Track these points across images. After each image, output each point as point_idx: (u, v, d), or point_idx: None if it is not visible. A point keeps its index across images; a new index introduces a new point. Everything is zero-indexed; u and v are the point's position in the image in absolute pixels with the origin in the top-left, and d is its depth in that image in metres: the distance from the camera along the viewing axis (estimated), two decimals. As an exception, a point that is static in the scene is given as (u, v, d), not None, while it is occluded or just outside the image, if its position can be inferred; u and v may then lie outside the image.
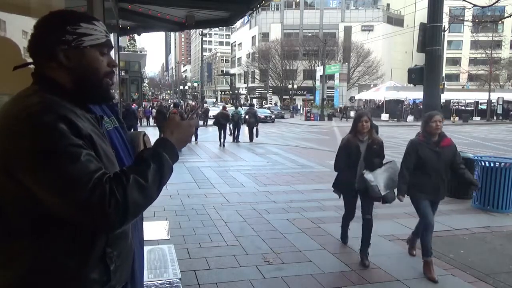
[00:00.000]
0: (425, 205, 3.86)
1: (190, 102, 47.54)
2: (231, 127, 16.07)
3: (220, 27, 64.72)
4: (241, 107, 21.79)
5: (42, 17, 1.19)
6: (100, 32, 1.20)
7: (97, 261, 1.13)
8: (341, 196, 4.39)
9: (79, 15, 1.20)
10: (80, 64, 1.16)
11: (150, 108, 31.79)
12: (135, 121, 15.73)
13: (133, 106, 21.86)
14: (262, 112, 34.11)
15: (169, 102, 51.72)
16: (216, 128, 15.92)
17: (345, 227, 4.63)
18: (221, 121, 15.28)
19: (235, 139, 16.21)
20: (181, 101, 52.45)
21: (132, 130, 10.08)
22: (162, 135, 1.25)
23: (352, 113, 37.70)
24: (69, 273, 1.09)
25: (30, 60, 1.20)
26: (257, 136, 16.48)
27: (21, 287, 1.07)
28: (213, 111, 27.90)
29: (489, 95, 35.52)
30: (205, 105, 35.39)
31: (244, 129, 17.25)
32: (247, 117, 16.62)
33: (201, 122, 24.34)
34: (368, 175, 3.93)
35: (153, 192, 1.11)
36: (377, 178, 3.92)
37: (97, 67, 1.19)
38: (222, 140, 15.07)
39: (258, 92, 62.66)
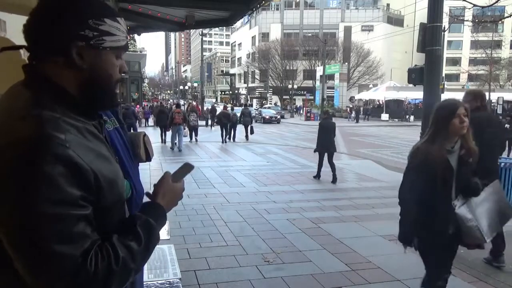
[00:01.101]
0: None
1: (191, 101, 47.48)
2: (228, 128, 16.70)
3: (220, 27, 64.76)
4: (241, 106, 22.11)
5: None
6: (122, 33, 1.01)
7: None
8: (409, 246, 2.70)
9: (104, 8, 0.99)
10: (94, 67, 0.97)
11: (150, 109, 31.38)
12: (134, 121, 15.96)
13: (137, 108, 22.35)
14: (267, 113, 32.36)
15: (169, 102, 51.73)
16: (217, 127, 16.51)
17: None
18: (223, 120, 16.11)
19: (232, 138, 16.79)
20: (183, 102, 52.48)
21: (131, 130, 10.09)
22: (154, 198, 1.12)
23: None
24: None
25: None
26: (252, 133, 17.30)
27: None
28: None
29: (489, 95, 35.49)
30: (206, 105, 35.20)
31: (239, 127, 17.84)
32: (242, 116, 17.64)
33: (202, 122, 24.34)
34: (462, 210, 2.40)
35: (138, 272, 0.99)
36: (476, 213, 2.41)
37: (112, 73, 1.01)
38: (224, 137, 15.85)
39: (258, 92, 62.64)
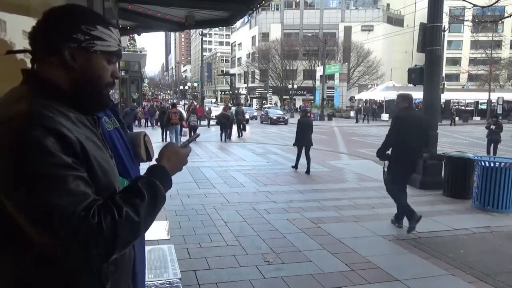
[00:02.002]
0: None
1: (191, 101, 47.40)
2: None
3: (220, 27, 64.76)
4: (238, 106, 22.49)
5: (56, 7, 1.09)
6: (114, 40, 1.12)
7: (89, 279, 1.01)
8: None
9: (97, 16, 1.11)
10: (85, 67, 1.07)
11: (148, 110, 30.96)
12: (133, 121, 16.32)
13: (138, 109, 22.89)
14: (274, 113, 30.64)
15: (169, 102, 51.86)
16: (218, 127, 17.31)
17: None
18: (222, 120, 17.13)
19: (228, 136, 17.54)
20: (185, 102, 52.35)
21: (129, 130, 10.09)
22: (158, 161, 1.19)
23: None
24: (56, 285, 1.00)
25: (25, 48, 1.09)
26: (244, 130, 19.17)
27: None
28: (214, 111, 27.77)
29: (489, 95, 35.53)
30: (206, 105, 35.13)
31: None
32: (236, 115, 18.95)
33: (204, 122, 24.52)
34: None
35: (145, 228, 1.04)
36: None
37: (102, 75, 1.10)
38: (223, 136, 16.82)
39: (258, 92, 62.68)
